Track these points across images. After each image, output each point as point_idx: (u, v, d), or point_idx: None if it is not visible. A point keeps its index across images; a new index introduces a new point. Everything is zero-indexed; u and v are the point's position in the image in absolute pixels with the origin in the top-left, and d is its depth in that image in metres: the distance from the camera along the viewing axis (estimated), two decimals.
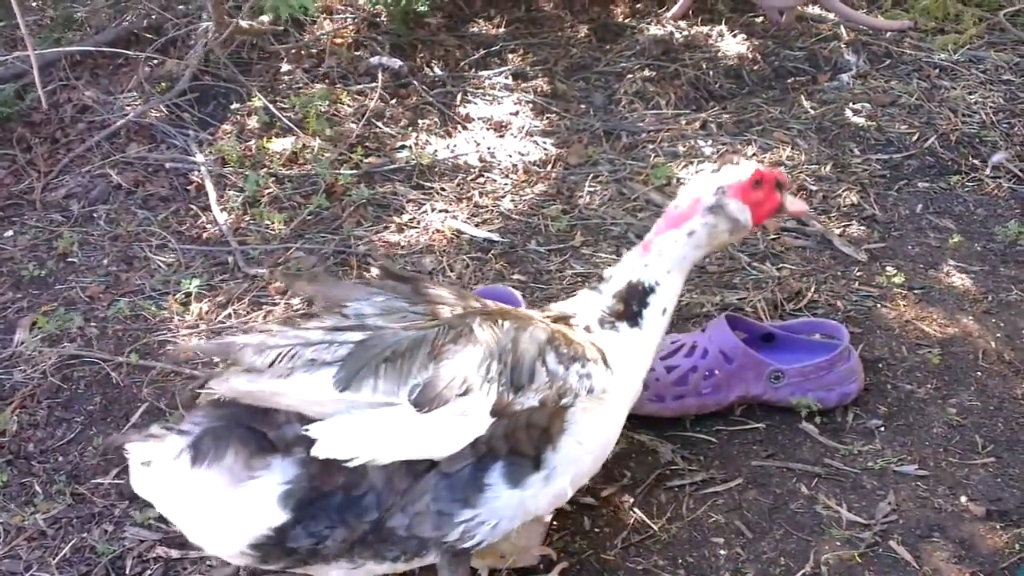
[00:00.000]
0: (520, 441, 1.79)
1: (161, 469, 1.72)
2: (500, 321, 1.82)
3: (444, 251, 2.95)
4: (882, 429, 2.38)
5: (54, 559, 2.15)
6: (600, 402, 1.89)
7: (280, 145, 3.37)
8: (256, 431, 1.72)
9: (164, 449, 1.72)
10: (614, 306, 2.00)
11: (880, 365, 2.53)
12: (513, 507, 1.81)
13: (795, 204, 2.13)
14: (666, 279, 2.01)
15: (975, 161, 3.26)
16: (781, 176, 2.10)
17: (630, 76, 3.71)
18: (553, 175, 3.27)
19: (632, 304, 2.00)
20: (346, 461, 1.68)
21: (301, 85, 3.65)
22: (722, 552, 2.13)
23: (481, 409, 1.74)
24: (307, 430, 1.66)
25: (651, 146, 3.37)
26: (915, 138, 3.36)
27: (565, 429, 1.84)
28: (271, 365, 1.69)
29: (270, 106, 3.47)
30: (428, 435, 1.71)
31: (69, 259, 2.99)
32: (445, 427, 1.71)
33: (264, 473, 1.69)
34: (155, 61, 3.74)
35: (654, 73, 3.72)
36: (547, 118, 3.54)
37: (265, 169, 3.27)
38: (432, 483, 1.75)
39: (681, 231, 2.01)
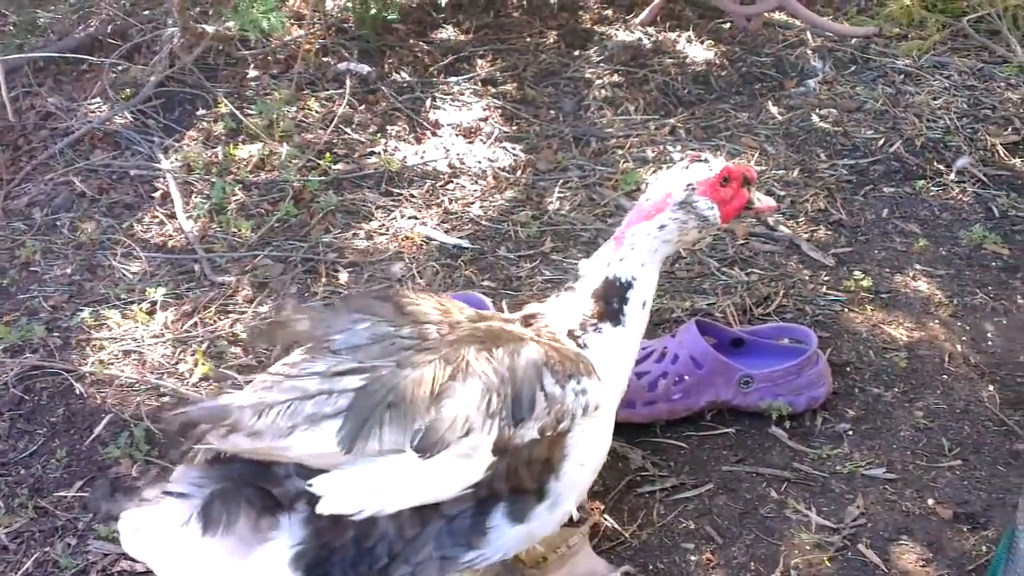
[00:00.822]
0: (522, 479, 1.77)
1: (165, 537, 1.64)
2: (493, 349, 1.76)
3: (413, 258, 2.94)
4: (850, 433, 2.39)
5: (16, 573, 2.11)
6: (595, 418, 1.87)
7: (247, 152, 3.34)
8: (261, 489, 1.67)
9: (166, 516, 1.65)
10: (594, 306, 1.97)
11: (848, 369, 2.55)
12: (519, 540, 1.81)
13: (763, 201, 2.12)
14: (642, 272, 1.98)
15: (940, 166, 3.29)
16: (749, 172, 2.08)
17: (599, 82, 3.72)
18: (523, 181, 3.27)
19: (612, 302, 1.97)
20: (352, 515, 1.64)
21: (268, 91, 3.63)
22: (692, 558, 2.13)
23: (483, 449, 1.70)
24: (311, 485, 1.61)
25: (620, 151, 3.38)
26: (881, 143, 3.39)
27: (566, 455, 1.82)
28: (271, 424, 1.62)
29: (237, 112, 3.45)
30: (432, 480, 1.67)
31: (31, 268, 2.94)
32: (448, 471, 1.67)
33: (274, 536, 1.65)
34: (120, 67, 3.70)
35: (623, 79, 3.73)
36: (516, 124, 3.54)
37: (232, 176, 3.24)
38: (434, 531, 1.72)
39: (652, 224, 1.99)
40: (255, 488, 1.66)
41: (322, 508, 1.61)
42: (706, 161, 2.03)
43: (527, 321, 1.98)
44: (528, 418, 1.74)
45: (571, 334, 1.96)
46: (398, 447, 1.63)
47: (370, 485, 1.63)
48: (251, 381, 1.76)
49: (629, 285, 1.98)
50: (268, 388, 1.68)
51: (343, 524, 1.66)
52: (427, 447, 1.64)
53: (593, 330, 1.96)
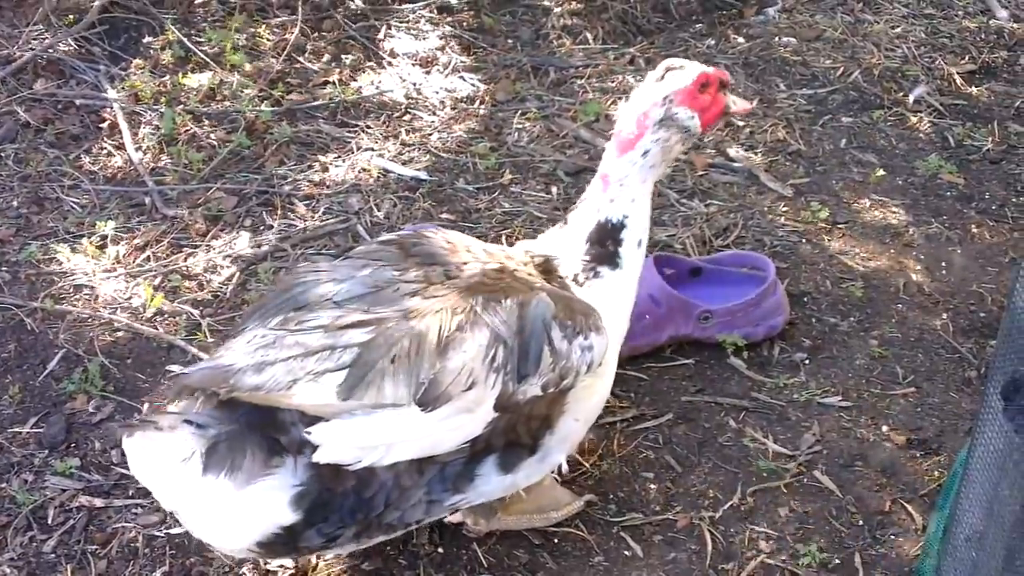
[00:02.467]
0: (519, 434, 1.77)
1: (169, 467, 1.62)
2: (503, 299, 1.73)
3: (371, 190, 2.90)
4: (807, 362, 2.42)
5: None
6: (597, 374, 1.86)
7: (197, 81, 3.25)
8: (268, 436, 1.64)
9: (174, 447, 1.61)
10: (590, 250, 1.93)
11: (805, 299, 2.57)
12: (504, 488, 1.82)
13: (739, 104, 2.05)
14: (633, 209, 1.94)
15: (897, 95, 3.30)
16: (724, 76, 2.00)
17: (557, 10, 3.66)
18: (481, 112, 3.22)
19: (607, 244, 1.93)
20: (349, 464, 1.63)
21: (217, 17, 3.52)
22: (652, 486, 2.15)
23: (486, 404, 1.69)
24: (309, 433, 1.59)
25: (579, 82, 3.34)
26: (839, 73, 3.38)
27: (564, 411, 1.82)
28: (271, 379, 1.59)
29: (185, 40, 3.34)
30: (431, 434, 1.65)
31: None
32: (448, 425, 1.66)
33: (276, 472, 1.63)
34: None
35: (581, 7, 3.67)
36: (474, 53, 3.48)
37: (181, 106, 3.15)
38: (427, 479, 1.72)
39: (635, 153, 1.92)
40: (261, 435, 1.63)
41: (319, 456, 1.60)
42: (681, 67, 1.94)
43: (546, 266, 1.93)
44: (533, 374, 1.72)
45: (576, 281, 1.93)
46: (400, 400, 1.61)
47: (369, 436, 1.61)
48: (249, 331, 1.71)
49: (622, 225, 1.93)
50: (270, 345, 1.63)
51: (345, 473, 1.64)
52: (429, 400, 1.62)
53: (593, 276, 1.93)
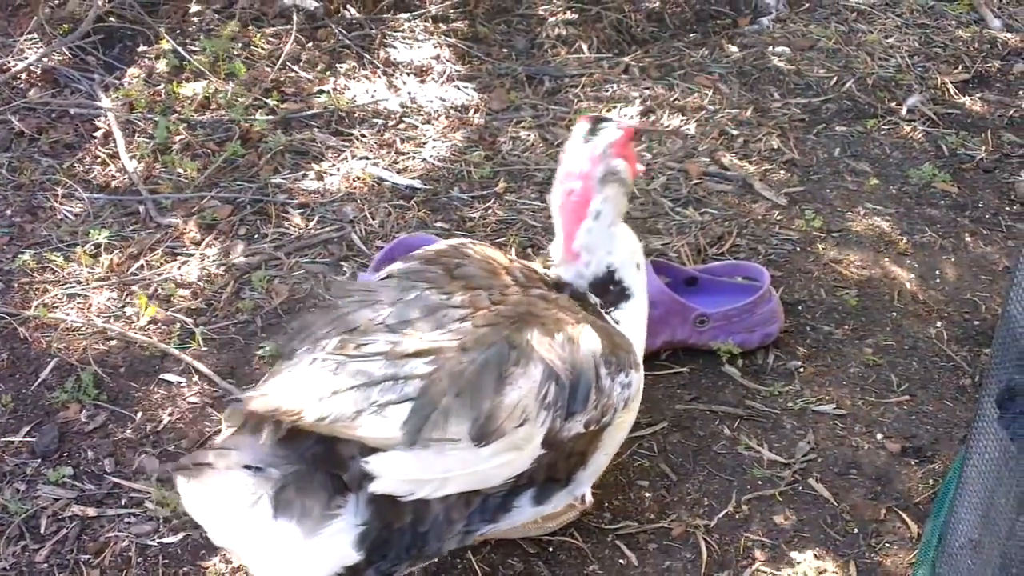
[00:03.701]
0: (558, 470, 1.77)
1: (235, 512, 1.58)
2: (556, 333, 1.72)
3: (365, 199, 2.90)
4: (801, 370, 2.42)
5: None
6: (629, 409, 1.87)
7: (191, 89, 3.25)
8: (330, 473, 1.62)
9: (239, 492, 1.57)
10: (600, 296, 1.95)
11: (800, 308, 2.57)
12: (531, 516, 1.83)
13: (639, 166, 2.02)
14: (613, 255, 1.93)
15: (891, 104, 3.31)
16: (632, 128, 1.99)
17: (552, 19, 3.67)
18: (475, 121, 3.22)
19: (611, 288, 1.95)
20: (403, 496, 1.62)
21: (212, 27, 3.52)
22: (647, 495, 2.15)
23: (535, 441, 1.69)
24: (367, 462, 1.58)
25: (574, 91, 3.34)
26: (833, 82, 3.39)
27: (598, 448, 1.83)
28: (338, 410, 1.57)
29: (179, 49, 3.35)
30: (483, 468, 1.65)
31: None
32: (499, 460, 1.66)
33: (341, 513, 1.61)
34: (56, 2, 3.57)
35: (576, 16, 3.68)
36: (469, 62, 3.48)
37: (176, 115, 3.15)
38: (471, 512, 1.72)
39: (589, 220, 1.90)
40: (325, 472, 1.61)
41: (376, 487, 1.59)
42: (608, 120, 1.93)
43: (575, 293, 1.93)
44: (580, 412, 1.73)
45: (603, 307, 1.94)
46: (458, 435, 1.61)
47: (426, 470, 1.60)
48: (305, 355, 1.68)
49: (612, 271, 1.94)
50: (332, 372, 1.61)
51: (401, 507, 1.63)
52: (484, 435, 1.62)
53: (615, 309, 1.95)
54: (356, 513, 1.61)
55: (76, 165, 3.01)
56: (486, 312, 1.72)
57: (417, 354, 1.63)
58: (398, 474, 1.59)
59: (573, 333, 1.74)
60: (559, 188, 1.92)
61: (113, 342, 2.46)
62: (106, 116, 3.14)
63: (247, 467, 1.57)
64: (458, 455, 1.62)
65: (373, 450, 1.58)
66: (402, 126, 3.20)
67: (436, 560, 1.88)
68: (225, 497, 1.57)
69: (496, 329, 1.69)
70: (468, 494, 1.69)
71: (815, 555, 2.04)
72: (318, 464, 1.60)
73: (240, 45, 3.43)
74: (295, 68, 3.38)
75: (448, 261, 1.82)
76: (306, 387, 1.58)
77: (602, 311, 1.94)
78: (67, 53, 3.37)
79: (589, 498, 2.02)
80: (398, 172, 3.01)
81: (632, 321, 1.96)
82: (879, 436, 2.27)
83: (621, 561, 2.03)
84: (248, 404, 1.56)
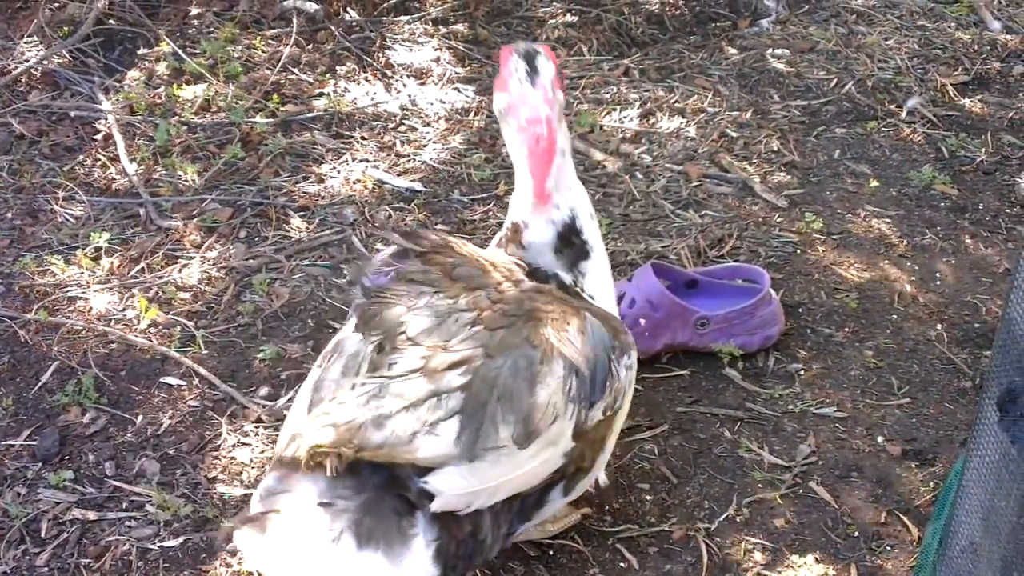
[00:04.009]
0: (585, 459, 1.79)
1: (317, 552, 1.54)
2: (566, 326, 1.73)
3: (365, 202, 2.90)
4: (802, 373, 2.42)
5: None
6: (631, 386, 1.88)
7: (191, 92, 3.25)
8: (398, 495, 1.62)
9: (316, 530, 1.55)
10: (561, 256, 1.93)
11: (800, 310, 2.57)
12: (558, 508, 1.85)
13: None
14: (573, 196, 1.92)
15: (891, 107, 3.31)
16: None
17: (552, 21, 3.67)
18: (476, 123, 3.22)
19: (574, 241, 1.93)
20: (462, 510, 1.63)
21: (212, 29, 3.52)
22: (648, 498, 2.15)
23: (567, 435, 1.70)
24: (426, 483, 1.58)
25: (574, 93, 3.34)
26: (833, 84, 3.39)
27: (612, 431, 1.85)
28: (392, 434, 1.57)
29: (179, 51, 3.35)
30: (527, 470, 1.66)
31: None
32: (539, 459, 1.67)
33: (417, 531, 1.61)
34: (56, 4, 3.57)
35: (576, 18, 3.68)
36: (469, 65, 3.48)
37: (176, 117, 3.15)
38: (513, 513, 1.74)
39: (558, 158, 1.87)
40: (391, 495, 1.61)
41: (436, 506, 1.59)
42: (536, 49, 1.86)
43: (568, 289, 1.92)
44: (599, 400, 1.75)
45: (576, 286, 1.93)
46: (504, 441, 1.62)
47: (480, 480, 1.61)
48: (347, 380, 1.66)
49: (575, 216, 1.93)
50: (377, 395, 1.60)
51: (461, 518, 1.64)
52: (523, 438, 1.62)
53: (581, 276, 1.94)
54: (426, 531, 1.61)
55: (76, 168, 3.01)
56: (491, 313, 1.72)
57: (451, 367, 1.63)
58: (456, 489, 1.60)
59: (581, 325, 1.76)
60: (524, 135, 1.84)
61: (114, 345, 2.46)
62: (106, 119, 3.14)
63: (321, 504, 1.55)
64: (507, 461, 1.62)
65: (427, 469, 1.59)
66: (402, 129, 3.20)
67: None
68: (303, 539, 1.53)
69: (513, 331, 1.69)
70: (511, 497, 1.70)
71: (816, 558, 2.04)
72: (384, 489, 1.60)
73: (240, 48, 3.43)
74: (295, 71, 3.38)
75: (444, 261, 1.81)
76: (357, 417, 1.57)
77: (578, 291, 1.93)
78: (67, 56, 3.37)
79: (604, 479, 2.00)
80: (398, 175, 3.01)
81: (601, 287, 1.96)
82: (880, 439, 2.27)
83: (622, 564, 2.02)
84: (306, 444, 1.53)
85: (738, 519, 2.11)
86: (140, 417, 2.30)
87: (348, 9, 3.69)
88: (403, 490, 1.61)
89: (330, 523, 1.55)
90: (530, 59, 1.84)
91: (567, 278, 1.94)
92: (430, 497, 1.60)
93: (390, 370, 1.64)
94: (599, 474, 1.91)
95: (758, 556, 2.04)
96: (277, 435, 2.04)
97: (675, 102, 3.30)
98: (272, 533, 1.53)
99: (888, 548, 2.06)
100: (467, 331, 1.69)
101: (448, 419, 1.59)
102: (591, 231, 1.96)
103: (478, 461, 1.60)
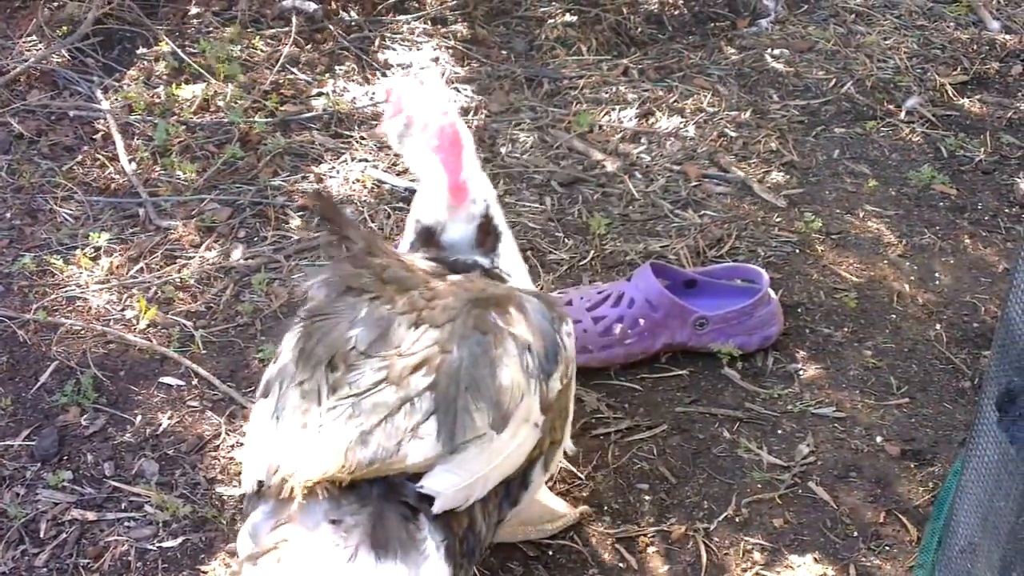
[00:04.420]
0: (556, 430, 1.79)
1: (335, 571, 1.51)
2: (507, 308, 1.74)
3: (364, 202, 2.90)
4: (801, 373, 2.42)
5: None
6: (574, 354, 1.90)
7: (190, 92, 3.25)
8: (399, 501, 1.60)
9: (330, 551, 1.52)
10: (479, 247, 1.94)
11: (799, 310, 2.57)
12: (541, 485, 1.85)
13: None
14: (483, 188, 1.95)
15: (890, 106, 3.31)
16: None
17: (551, 21, 3.67)
18: (475, 123, 3.22)
19: (491, 231, 1.95)
20: (459, 507, 1.62)
21: (211, 29, 3.52)
22: (647, 498, 2.15)
23: (535, 410, 1.71)
24: (422, 487, 1.58)
25: (573, 92, 3.34)
26: (832, 84, 3.39)
27: (570, 399, 1.87)
28: (379, 448, 1.56)
29: (179, 51, 3.34)
30: (510, 452, 1.67)
31: None
32: (517, 440, 1.68)
33: (426, 535, 1.60)
34: (55, 3, 3.57)
35: (575, 18, 3.68)
36: (468, 64, 3.48)
37: (175, 117, 3.15)
38: (500, 500, 1.74)
39: (467, 148, 1.93)
40: (395, 502, 1.59)
41: (438, 507, 1.59)
42: (421, 68, 1.96)
43: (490, 273, 1.94)
44: (555, 370, 1.76)
45: (497, 269, 1.95)
46: (483, 428, 1.62)
47: (470, 473, 1.61)
48: (310, 405, 1.63)
49: (488, 205, 1.95)
50: (353, 415, 1.58)
51: (458, 515, 1.64)
52: (499, 421, 1.63)
53: (497, 259, 1.95)
54: (432, 533, 1.60)
55: (75, 168, 3.00)
56: (430, 311, 1.72)
57: (414, 370, 1.63)
58: (451, 486, 1.60)
59: (519, 304, 1.78)
60: (429, 135, 1.90)
61: (112, 345, 2.46)
62: (105, 118, 3.14)
63: (332, 522, 1.53)
64: (490, 447, 1.63)
65: (419, 474, 1.58)
66: None
67: None
68: (319, 560, 1.51)
69: (460, 323, 1.69)
70: (497, 485, 1.70)
71: (815, 558, 2.04)
72: (385, 498, 1.59)
73: (239, 47, 3.43)
74: (294, 70, 3.38)
75: (374, 264, 1.78)
76: (340, 440, 1.55)
77: (498, 273, 1.95)
78: (66, 55, 3.37)
79: (571, 447, 1.98)
80: (397, 174, 3.01)
81: (516, 266, 1.99)
82: (879, 439, 2.27)
83: (621, 565, 2.03)
84: (298, 478, 1.52)
85: (737, 519, 2.11)
86: (139, 417, 2.30)
87: (347, 9, 3.69)
88: (403, 496, 1.60)
89: (344, 541, 1.52)
90: (415, 82, 1.93)
91: (487, 263, 1.95)
92: (429, 500, 1.59)
93: (353, 388, 1.61)
94: (567, 443, 1.92)
95: (757, 556, 2.04)
96: None
97: (674, 102, 3.30)
98: (288, 562, 1.50)
99: (887, 548, 2.06)
100: (415, 332, 1.68)
101: (425, 421, 1.58)
102: (499, 214, 1.99)
103: (463, 454, 1.60)
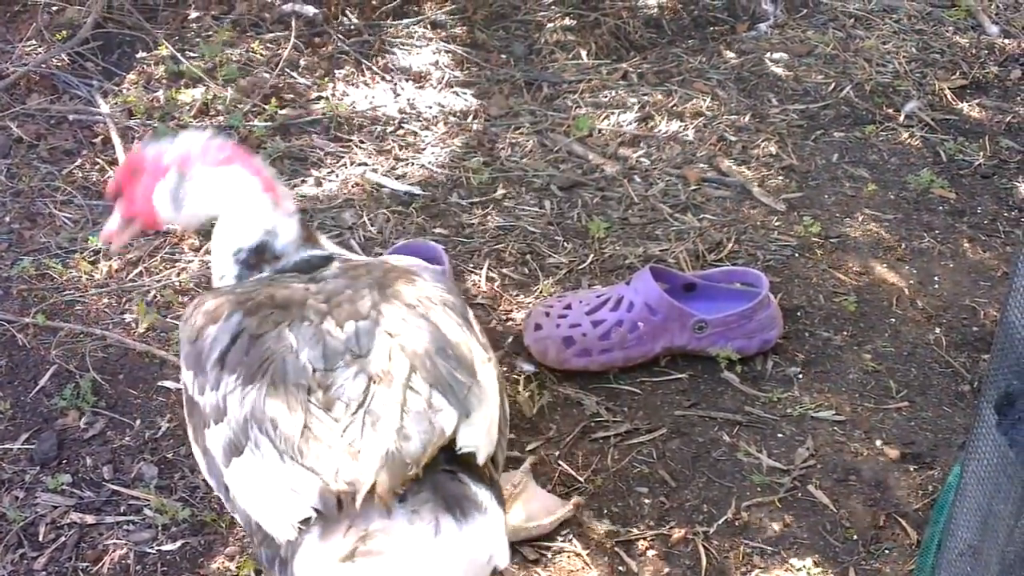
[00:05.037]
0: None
1: (426, 548, 1.52)
2: (409, 279, 1.78)
3: (364, 205, 2.90)
4: (800, 376, 2.42)
5: None
6: None
7: (190, 96, 3.25)
8: (447, 471, 1.60)
9: (415, 531, 1.52)
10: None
11: (798, 314, 2.57)
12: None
13: None
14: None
15: (889, 111, 3.31)
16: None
17: (550, 25, 3.67)
18: (474, 127, 3.22)
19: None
20: (493, 453, 1.66)
21: (210, 33, 3.52)
22: (646, 501, 2.15)
23: (487, 350, 1.76)
24: (459, 449, 1.58)
25: (572, 97, 3.35)
26: (831, 88, 3.39)
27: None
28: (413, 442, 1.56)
29: (178, 55, 3.35)
30: (497, 388, 1.71)
31: None
32: (493, 375, 1.72)
33: (476, 492, 1.60)
34: (55, 7, 3.57)
35: (574, 22, 3.68)
36: (467, 68, 3.49)
37: (175, 121, 3.15)
38: None
39: (253, 162, 1.88)
40: (441, 471, 1.59)
41: (481, 459, 1.61)
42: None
43: (343, 259, 1.92)
44: (467, 311, 1.82)
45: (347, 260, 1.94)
46: (469, 382, 1.65)
47: (486, 420, 1.65)
48: (321, 431, 1.58)
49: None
50: (374, 421, 1.56)
51: (487, 467, 1.66)
52: (472, 371, 1.67)
53: (331, 246, 1.94)
54: (479, 487, 1.61)
55: (75, 171, 3.01)
56: (341, 309, 1.70)
57: (389, 362, 1.63)
58: (480, 437, 1.61)
59: (411, 273, 1.81)
60: (211, 155, 1.84)
61: (112, 349, 2.46)
62: (105, 122, 3.14)
63: (401, 502, 1.53)
64: (485, 392, 1.66)
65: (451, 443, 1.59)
66: (401, 132, 3.20)
67: None
68: (408, 542, 1.51)
69: (385, 308, 1.70)
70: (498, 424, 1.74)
71: (814, 562, 2.04)
72: (434, 468, 1.58)
73: (239, 51, 3.43)
74: (294, 74, 3.39)
75: (262, 297, 1.74)
76: (386, 446, 1.53)
77: (348, 257, 1.92)
78: (66, 59, 3.37)
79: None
80: (397, 178, 3.01)
81: (346, 249, 2.02)
82: (878, 442, 2.27)
83: (620, 568, 2.02)
84: (361, 489, 1.49)
85: (736, 522, 2.11)
86: (138, 421, 2.30)
87: (347, 13, 3.69)
88: (439, 467, 1.59)
89: (427, 520, 1.52)
90: (163, 136, 1.90)
91: (328, 252, 1.91)
92: (456, 461, 1.59)
93: (348, 400, 1.59)
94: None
95: (756, 560, 2.04)
96: None
97: (673, 106, 3.30)
98: (380, 553, 1.50)
99: (886, 551, 2.06)
100: (349, 332, 1.67)
101: (431, 395, 1.59)
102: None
103: (472, 410, 1.62)
